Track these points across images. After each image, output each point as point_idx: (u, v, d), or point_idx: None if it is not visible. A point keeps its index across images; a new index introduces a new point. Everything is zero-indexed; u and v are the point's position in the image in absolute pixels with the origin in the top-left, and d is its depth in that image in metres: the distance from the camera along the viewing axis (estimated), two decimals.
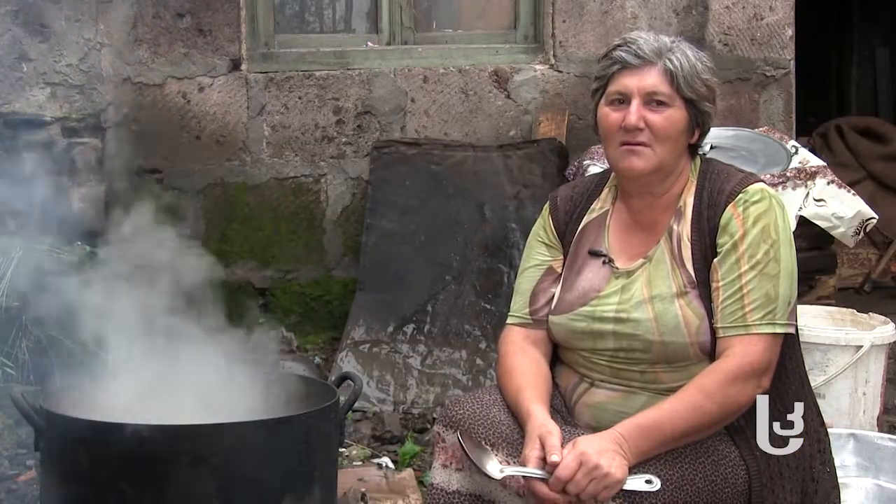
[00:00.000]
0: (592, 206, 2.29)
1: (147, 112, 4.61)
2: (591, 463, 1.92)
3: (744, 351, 2.03)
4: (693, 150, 2.22)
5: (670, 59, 2.12)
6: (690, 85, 2.12)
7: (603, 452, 1.93)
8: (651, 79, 2.11)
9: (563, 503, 1.95)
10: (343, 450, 3.41)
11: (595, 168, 3.97)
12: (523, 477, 2.00)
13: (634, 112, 2.11)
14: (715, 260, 2.10)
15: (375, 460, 3.48)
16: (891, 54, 7.74)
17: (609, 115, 2.15)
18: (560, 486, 1.93)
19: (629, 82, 2.12)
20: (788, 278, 2.08)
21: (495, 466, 2.01)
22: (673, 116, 2.12)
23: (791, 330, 2.09)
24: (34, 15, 4.52)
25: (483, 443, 2.07)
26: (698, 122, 2.17)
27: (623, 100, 2.14)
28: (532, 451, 1.99)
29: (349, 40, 4.97)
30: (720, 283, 2.08)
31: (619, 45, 2.16)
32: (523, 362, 2.20)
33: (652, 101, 2.11)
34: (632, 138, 2.12)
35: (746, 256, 2.06)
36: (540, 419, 2.04)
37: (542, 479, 1.96)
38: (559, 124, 4.68)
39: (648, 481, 1.94)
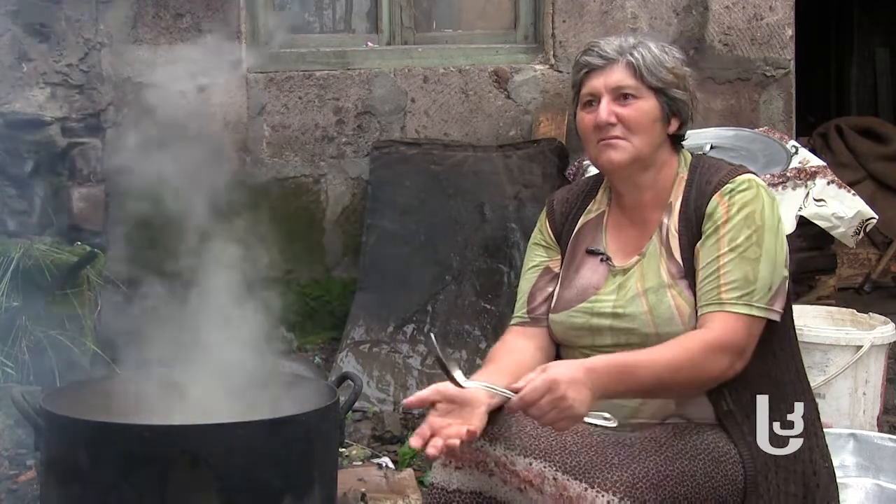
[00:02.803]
0: (589, 208, 2.32)
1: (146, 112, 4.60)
2: (559, 392, 1.88)
3: (723, 326, 2.03)
4: (676, 140, 2.24)
5: (632, 54, 2.17)
6: (654, 74, 2.16)
7: (573, 383, 1.90)
8: (616, 75, 2.16)
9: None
10: (343, 450, 3.41)
11: (594, 168, 3.97)
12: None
13: (604, 109, 2.16)
14: (698, 244, 2.12)
15: (375, 460, 3.48)
16: (891, 54, 7.74)
17: (584, 117, 2.21)
18: (522, 407, 1.90)
19: (597, 83, 2.18)
20: (770, 264, 2.08)
21: (461, 376, 1.96)
22: (643, 107, 2.16)
23: (772, 316, 2.08)
24: (34, 15, 4.52)
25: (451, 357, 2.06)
26: (673, 111, 2.19)
27: (594, 100, 2.19)
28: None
29: (349, 40, 4.97)
30: (701, 266, 2.10)
31: (584, 52, 2.23)
32: (500, 349, 2.24)
33: (619, 95, 2.16)
34: (605, 134, 2.16)
35: (727, 240, 2.08)
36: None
37: (506, 398, 1.93)
38: (559, 124, 4.68)
39: (607, 418, 1.93)
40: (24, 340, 3.59)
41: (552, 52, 4.80)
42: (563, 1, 4.77)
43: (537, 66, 4.81)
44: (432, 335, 2.07)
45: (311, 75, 4.72)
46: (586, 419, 1.92)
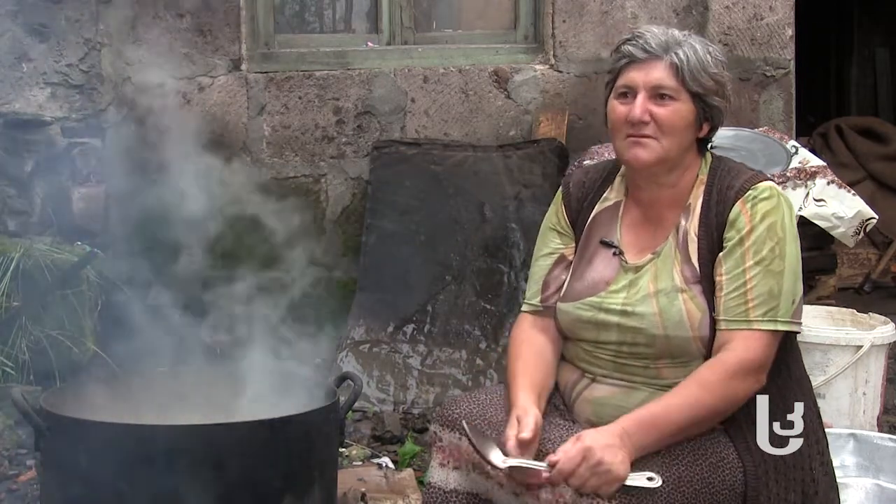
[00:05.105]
0: (605, 195, 2.29)
1: (147, 112, 4.60)
2: (594, 458, 1.92)
3: (745, 346, 2.03)
4: (703, 144, 2.22)
5: (676, 54, 2.12)
6: (696, 79, 2.12)
7: (607, 448, 1.94)
8: (657, 73, 2.12)
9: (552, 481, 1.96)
10: (343, 450, 3.41)
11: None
12: (519, 468, 2.00)
13: (639, 106, 2.12)
14: (720, 254, 2.11)
15: (375, 460, 3.48)
16: (891, 54, 7.74)
17: (616, 108, 2.17)
18: (562, 479, 1.94)
19: (636, 76, 2.14)
20: (793, 276, 2.08)
21: (498, 456, 2.01)
22: (679, 110, 2.13)
23: (795, 328, 2.09)
24: (34, 15, 4.52)
25: (488, 433, 2.08)
26: (707, 117, 2.17)
27: (629, 93, 2.15)
28: (510, 430, 2.02)
29: (349, 40, 4.97)
30: (724, 277, 2.08)
31: (628, 40, 2.18)
32: (527, 350, 2.22)
33: (657, 94, 2.12)
34: (637, 131, 2.13)
35: (752, 252, 2.07)
36: (520, 403, 2.07)
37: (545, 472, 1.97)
38: (559, 124, 4.68)
39: (650, 478, 1.94)
40: (24, 340, 3.59)
41: (552, 52, 4.80)
42: (563, 1, 4.77)
43: (537, 66, 4.81)
44: (464, 423, 2.09)
45: (311, 75, 4.72)
46: (628, 482, 1.93)
